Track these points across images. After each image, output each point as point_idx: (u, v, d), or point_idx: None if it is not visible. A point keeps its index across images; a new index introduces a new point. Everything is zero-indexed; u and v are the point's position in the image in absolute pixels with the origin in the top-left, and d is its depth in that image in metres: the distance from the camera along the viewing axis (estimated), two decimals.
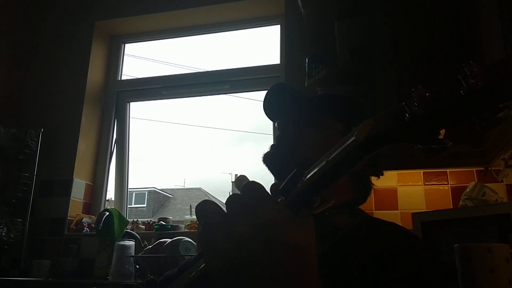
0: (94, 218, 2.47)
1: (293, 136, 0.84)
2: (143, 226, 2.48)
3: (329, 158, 0.40)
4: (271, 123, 2.43)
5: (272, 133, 2.44)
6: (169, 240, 1.97)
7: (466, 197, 1.73)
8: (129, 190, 2.75)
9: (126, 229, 2.30)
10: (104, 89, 2.85)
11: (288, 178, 0.43)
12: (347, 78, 1.89)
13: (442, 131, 0.36)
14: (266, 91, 0.90)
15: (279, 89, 0.91)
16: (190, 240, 1.98)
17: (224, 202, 0.44)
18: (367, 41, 1.85)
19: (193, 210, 2.51)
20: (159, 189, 8.09)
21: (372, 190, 0.91)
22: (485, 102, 0.32)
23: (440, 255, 1.42)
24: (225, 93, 2.77)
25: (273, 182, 0.52)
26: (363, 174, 0.86)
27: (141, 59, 3.15)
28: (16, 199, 2.41)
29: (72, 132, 2.61)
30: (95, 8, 2.84)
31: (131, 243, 2.08)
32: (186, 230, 2.31)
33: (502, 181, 1.79)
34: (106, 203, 2.71)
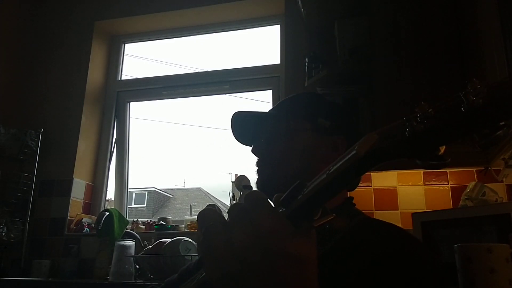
0: (94, 218, 2.47)
1: (269, 156, 0.87)
2: (143, 226, 2.48)
3: (330, 171, 0.41)
4: None
5: None
6: (169, 240, 1.97)
7: (466, 197, 1.73)
8: (129, 190, 2.75)
9: (126, 229, 2.30)
10: (104, 89, 2.85)
11: (289, 189, 0.43)
12: (347, 78, 1.89)
13: (443, 147, 0.36)
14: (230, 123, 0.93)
15: (238, 117, 0.93)
16: (190, 240, 1.98)
17: (224, 201, 0.44)
18: (367, 41, 1.85)
19: (193, 210, 2.51)
20: (159, 189, 8.09)
21: (370, 190, 0.91)
22: (485, 120, 0.33)
23: (440, 255, 1.42)
24: (225, 93, 2.77)
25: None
26: None
27: (141, 59, 3.15)
28: (16, 199, 2.42)
29: (72, 132, 2.61)
30: (95, 8, 2.85)
31: (131, 243, 2.08)
32: (186, 230, 2.31)
33: (502, 181, 1.79)
34: (106, 203, 2.71)
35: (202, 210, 0.47)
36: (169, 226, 2.33)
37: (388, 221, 0.78)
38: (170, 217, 2.48)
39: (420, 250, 0.70)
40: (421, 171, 1.93)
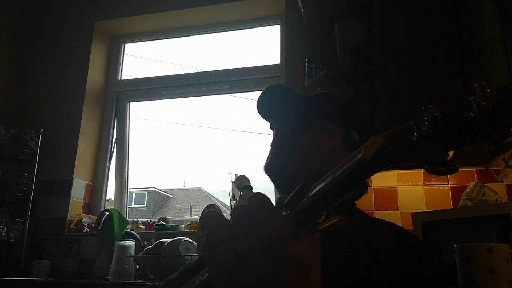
0: (94, 218, 2.47)
1: (293, 144, 0.82)
2: (143, 226, 2.48)
3: (336, 174, 0.40)
4: None
5: (272, 133, 2.43)
6: (169, 240, 1.97)
7: (466, 197, 1.73)
8: (129, 190, 2.75)
9: (126, 229, 2.30)
10: (104, 89, 2.85)
11: (294, 192, 0.42)
12: (347, 78, 1.89)
13: (451, 152, 0.35)
14: (261, 92, 0.88)
15: (277, 90, 0.89)
16: (190, 240, 1.98)
17: (224, 201, 0.44)
18: (367, 41, 1.85)
19: (193, 210, 2.51)
20: (159, 189, 8.09)
21: (370, 190, 0.91)
22: (495, 125, 0.32)
23: (440, 255, 1.42)
24: (225, 93, 2.77)
25: (274, 187, 0.51)
26: None
27: (141, 59, 3.15)
28: (16, 199, 2.41)
29: (72, 132, 2.61)
30: (95, 8, 2.84)
31: (131, 243, 2.08)
32: (186, 230, 2.31)
33: (502, 181, 1.79)
34: (106, 203, 2.71)
35: (204, 212, 0.46)
36: (169, 226, 2.33)
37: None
38: (170, 217, 2.48)
39: (421, 249, 0.70)
40: (421, 171, 1.93)
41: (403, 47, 1.70)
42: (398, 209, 1.94)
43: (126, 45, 3.01)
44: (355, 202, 0.84)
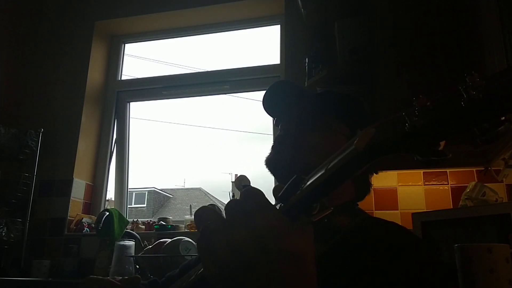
0: (94, 218, 2.47)
1: (296, 140, 0.81)
2: (143, 226, 2.48)
3: (329, 166, 0.40)
4: (271, 123, 2.43)
5: (272, 133, 2.44)
6: (169, 240, 1.97)
7: (466, 197, 1.73)
8: (129, 190, 2.75)
9: (126, 229, 2.30)
10: (104, 89, 2.85)
11: (287, 184, 0.43)
12: (347, 78, 1.89)
13: (442, 143, 0.36)
14: (268, 87, 0.87)
15: (283, 86, 0.88)
16: (190, 240, 1.98)
17: (224, 201, 0.44)
18: (367, 41, 1.85)
19: (193, 210, 2.51)
20: (159, 189, 8.09)
21: (372, 190, 0.90)
22: (486, 114, 0.32)
23: (440, 255, 1.42)
24: (225, 93, 2.77)
25: (274, 183, 0.51)
26: (364, 175, 0.85)
27: (141, 59, 3.15)
28: (16, 199, 2.41)
29: (72, 132, 2.61)
30: (95, 8, 2.84)
31: (131, 243, 2.08)
32: (186, 230, 2.31)
33: (502, 181, 1.79)
34: (106, 203, 2.71)
35: (198, 209, 0.46)
36: (169, 226, 2.33)
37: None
38: (170, 217, 2.48)
39: (422, 248, 0.70)
40: (421, 171, 1.93)
41: (403, 47, 1.70)
42: (398, 209, 1.94)
43: (126, 45, 3.01)
44: (357, 203, 0.84)
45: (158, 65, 3.19)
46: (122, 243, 2.05)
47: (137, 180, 3.02)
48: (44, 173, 2.51)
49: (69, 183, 2.51)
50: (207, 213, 0.44)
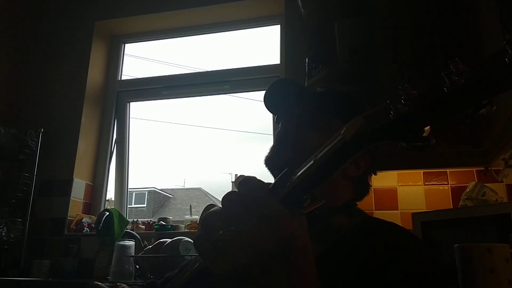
0: (94, 218, 2.47)
1: (296, 139, 0.81)
2: (143, 226, 2.48)
3: (317, 157, 0.41)
4: (271, 123, 2.43)
5: (272, 133, 2.44)
6: (169, 240, 1.97)
7: (466, 197, 1.73)
8: (129, 190, 2.75)
9: (126, 229, 2.30)
10: (104, 89, 2.85)
11: (278, 177, 0.43)
12: (347, 78, 1.89)
13: (427, 129, 0.36)
14: (270, 84, 0.87)
15: (285, 84, 0.88)
16: (190, 240, 1.98)
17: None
18: (367, 41, 1.85)
19: (193, 210, 2.51)
20: (159, 189, 8.10)
21: (371, 190, 0.90)
22: (467, 99, 0.33)
23: (440, 255, 1.42)
24: (225, 93, 2.77)
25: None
26: (363, 177, 0.85)
27: (141, 59, 3.15)
28: (16, 199, 2.41)
29: (72, 132, 2.61)
30: (95, 8, 2.84)
31: (131, 243, 2.08)
32: (186, 230, 2.31)
33: (502, 181, 1.78)
34: (106, 203, 2.71)
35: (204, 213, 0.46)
36: (169, 226, 2.33)
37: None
38: (170, 217, 2.48)
39: (421, 248, 0.70)
40: (421, 171, 1.93)
41: (403, 47, 1.70)
42: (398, 209, 1.94)
43: (126, 45, 3.01)
44: (357, 203, 0.84)
45: (158, 65, 3.20)
46: (122, 243, 2.05)
47: (137, 180, 3.02)
48: (44, 173, 2.51)
49: (69, 183, 2.51)
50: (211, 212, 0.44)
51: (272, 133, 2.43)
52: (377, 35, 1.78)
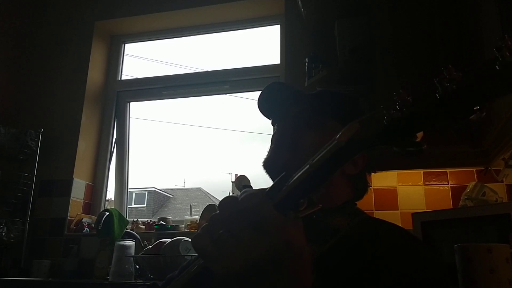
0: (94, 218, 2.47)
1: (293, 141, 0.80)
2: (143, 226, 2.48)
3: (313, 161, 0.41)
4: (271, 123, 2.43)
5: (272, 133, 2.43)
6: (169, 240, 1.97)
7: (466, 197, 1.73)
8: (129, 190, 2.75)
9: (126, 229, 2.30)
10: (104, 89, 2.85)
11: (275, 181, 0.43)
12: (347, 78, 1.89)
13: (420, 134, 0.37)
14: (263, 89, 0.87)
15: (278, 87, 0.88)
16: (190, 240, 1.98)
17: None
18: (367, 41, 1.85)
19: (193, 210, 2.51)
20: (159, 189, 8.10)
21: (371, 190, 0.90)
22: (458, 105, 0.34)
23: (440, 255, 1.42)
24: (225, 93, 2.77)
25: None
26: (361, 175, 0.85)
27: (141, 59, 3.15)
28: (16, 199, 2.41)
29: (72, 132, 2.61)
30: (95, 8, 2.84)
31: (131, 243, 2.08)
32: (186, 230, 2.31)
33: (502, 181, 1.79)
34: (106, 203, 2.71)
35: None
36: (169, 226, 2.33)
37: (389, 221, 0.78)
38: (170, 217, 2.48)
39: (421, 249, 0.70)
40: (421, 171, 1.93)
41: (403, 47, 1.70)
42: (398, 209, 1.94)
43: (126, 45, 3.01)
44: (356, 202, 0.84)
45: (158, 65, 3.20)
46: (122, 243, 2.05)
47: (137, 180, 3.02)
48: (44, 173, 2.51)
49: (69, 183, 2.51)
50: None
51: (272, 133, 2.43)
52: (377, 35, 1.78)
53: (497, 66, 0.32)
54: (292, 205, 0.42)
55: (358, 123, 0.39)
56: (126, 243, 2.06)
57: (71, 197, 2.49)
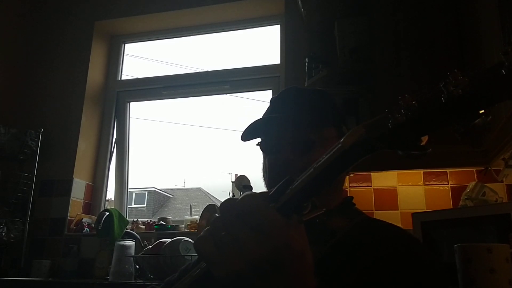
0: (94, 218, 2.47)
1: (296, 169, 0.71)
2: (143, 226, 2.48)
3: (317, 165, 0.41)
4: None
5: None
6: (169, 240, 1.97)
7: (466, 197, 1.73)
8: (129, 190, 2.75)
9: (126, 229, 2.30)
10: (104, 89, 2.85)
11: (278, 185, 0.43)
12: (347, 78, 1.89)
13: (425, 138, 0.37)
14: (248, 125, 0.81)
15: (262, 124, 0.81)
16: (190, 240, 1.98)
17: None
18: (367, 41, 1.85)
19: (193, 210, 2.51)
20: (159, 189, 8.10)
21: (370, 190, 0.90)
22: (464, 109, 0.34)
23: (440, 255, 1.42)
24: (225, 93, 2.77)
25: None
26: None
27: (141, 59, 3.15)
28: (16, 199, 2.42)
29: (72, 132, 2.61)
30: (95, 8, 2.85)
31: (131, 243, 2.08)
32: (186, 230, 2.31)
33: (502, 181, 1.79)
34: (106, 203, 2.71)
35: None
36: (169, 226, 2.33)
37: (388, 221, 0.78)
38: (170, 217, 2.48)
39: (421, 251, 0.69)
40: (421, 171, 1.93)
41: (403, 47, 1.70)
42: (398, 209, 1.94)
43: (126, 45, 3.01)
44: (353, 201, 0.83)
45: (158, 65, 3.20)
46: (122, 243, 2.05)
47: (137, 180, 3.02)
48: (44, 173, 2.51)
49: (69, 183, 2.51)
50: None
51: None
52: (377, 35, 1.78)
53: (503, 71, 0.32)
54: (295, 208, 0.42)
55: (363, 127, 0.39)
56: (126, 243, 2.06)
57: (71, 197, 2.49)
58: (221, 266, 0.40)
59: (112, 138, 2.80)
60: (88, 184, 2.64)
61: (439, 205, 1.86)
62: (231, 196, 2.17)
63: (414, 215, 1.59)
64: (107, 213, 2.24)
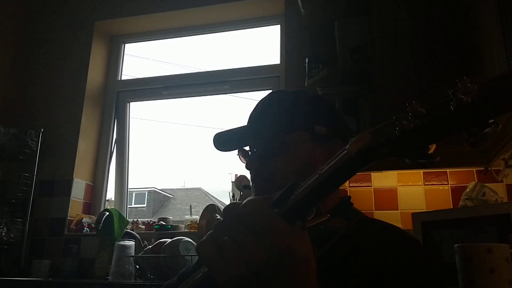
0: (94, 218, 2.47)
1: (267, 174, 0.77)
2: (143, 226, 2.48)
3: (322, 171, 0.41)
4: None
5: None
6: (169, 240, 1.97)
7: (466, 197, 1.73)
8: (129, 190, 2.75)
9: (126, 229, 2.30)
10: (104, 89, 2.85)
11: (283, 190, 0.43)
12: (347, 78, 1.89)
13: (433, 146, 0.36)
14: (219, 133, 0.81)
15: (221, 140, 0.82)
16: (190, 240, 1.98)
17: (224, 201, 0.45)
18: (368, 41, 1.85)
19: (193, 210, 2.51)
20: (159, 189, 8.10)
21: (370, 190, 0.89)
22: (474, 118, 0.33)
23: (440, 255, 1.42)
24: (225, 93, 2.77)
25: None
26: None
27: (141, 59, 3.15)
28: (16, 199, 2.41)
29: (72, 132, 2.61)
30: (95, 8, 2.84)
31: (131, 243, 2.07)
32: (186, 230, 2.31)
33: (502, 181, 1.79)
34: (106, 203, 2.71)
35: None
36: (169, 226, 2.33)
37: (388, 221, 0.77)
38: (170, 217, 2.48)
39: (420, 252, 0.69)
40: (421, 171, 1.93)
41: (403, 47, 1.70)
42: (398, 209, 1.94)
43: (126, 45, 3.01)
44: (352, 201, 0.83)
45: (158, 65, 3.20)
46: (122, 243, 2.05)
47: (137, 180, 3.02)
48: (44, 173, 2.51)
49: (69, 183, 2.51)
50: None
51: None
52: (377, 35, 1.78)
53: None
54: (299, 214, 0.41)
55: (369, 133, 0.38)
56: (126, 243, 2.06)
57: (71, 197, 2.49)
58: (223, 271, 0.40)
59: (112, 138, 2.80)
60: (88, 184, 2.64)
61: (439, 205, 1.86)
62: (231, 196, 2.17)
63: (414, 215, 1.59)
64: (107, 213, 2.24)
